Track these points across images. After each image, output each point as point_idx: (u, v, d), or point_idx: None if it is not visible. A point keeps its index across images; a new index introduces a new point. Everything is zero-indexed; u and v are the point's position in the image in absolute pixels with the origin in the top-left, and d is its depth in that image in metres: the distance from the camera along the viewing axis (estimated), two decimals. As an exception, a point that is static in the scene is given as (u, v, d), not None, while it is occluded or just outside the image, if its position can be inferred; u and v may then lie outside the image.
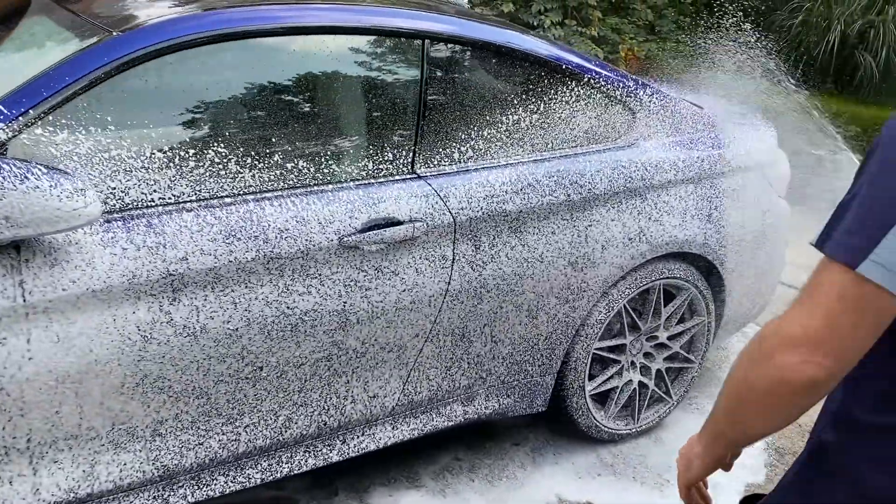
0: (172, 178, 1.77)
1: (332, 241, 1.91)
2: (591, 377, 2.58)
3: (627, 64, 7.91)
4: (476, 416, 2.38)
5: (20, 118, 1.61)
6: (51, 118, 1.65)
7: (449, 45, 2.19)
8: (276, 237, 1.84)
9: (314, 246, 1.89)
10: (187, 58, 1.80)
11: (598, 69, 2.44)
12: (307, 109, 2.01)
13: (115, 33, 1.76)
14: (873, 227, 0.79)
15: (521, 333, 2.33)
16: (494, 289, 2.20)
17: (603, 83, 2.41)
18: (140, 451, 1.81)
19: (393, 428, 2.23)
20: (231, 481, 1.98)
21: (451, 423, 2.33)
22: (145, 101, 1.79)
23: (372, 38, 2.09)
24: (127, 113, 1.76)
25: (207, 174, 1.81)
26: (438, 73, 2.16)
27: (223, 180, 1.82)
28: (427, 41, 2.14)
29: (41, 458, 1.68)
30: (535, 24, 7.85)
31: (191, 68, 1.83)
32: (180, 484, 1.91)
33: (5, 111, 1.60)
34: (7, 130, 1.60)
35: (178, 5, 1.97)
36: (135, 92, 1.76)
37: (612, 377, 2.62)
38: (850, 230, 0.81)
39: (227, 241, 1.79)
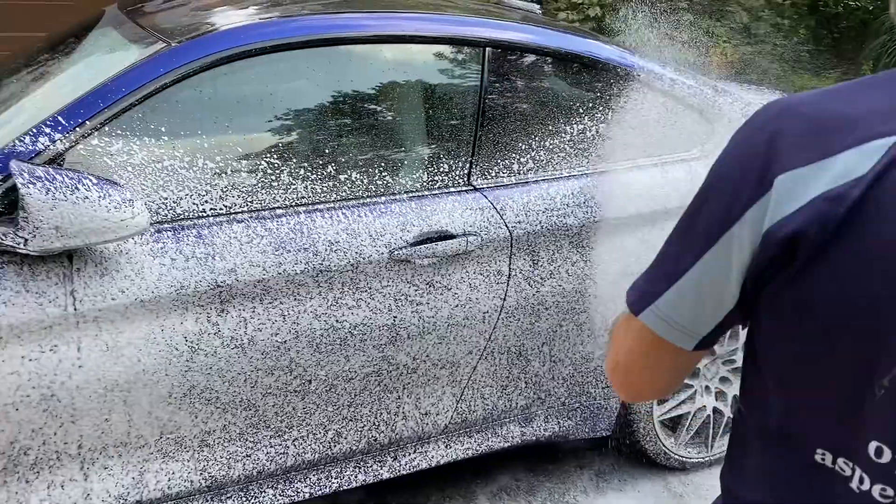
0: (224, 189, 1.77)
1: (382, 254, 1.87)
2: (661, 401, 2.44)
3: (719, 68, 7.61)
4: (534, 437, 2.28)
5: (77, 129, 1.64)
6: (107, 129, 1.67)
7: (510, 53, 2.11)
8: (326, 249, 1.81)
9: (364, 259, 1.85)
10: (241, 69, 1.80)
11: (673, 76, 2.31)
12: (363, 120, 1.98)
13: (172, 45, 1.77)
14: (672, 273, 0.76)
15: (582, 353, 2.22)
16: (553, 306, 2.10)
17: (679, 91, 2.28)
18: (188, 460, 1.81)
19: (446, 446, 2.17)
20: (280, 494, 1.96)
21: (507, 444, 2.25)
22: (200, 112, 1.79)
23: (431, 46, 2.03)
24: (182, 123, 1.77)
25: (259, 185, 1.81)
26: (498, 82, 2.09)
27: (275, 191, 1.81)
28: (488, 49, 2.07)
29: (92, 463, 1.71)
30: (623, 28, 7.64)
31: (245, 79, 1.82)
32: (228, 495, 1.90)
33: (64, 122, 1.64)
34: (65, 141, 1.63)
35: (244, 13, 1.97)
36: (190, 102, 1.77)
37: (683, 402, 2.47)
38: (641, 282, 0.81)
39: (276, 253, 1.77)
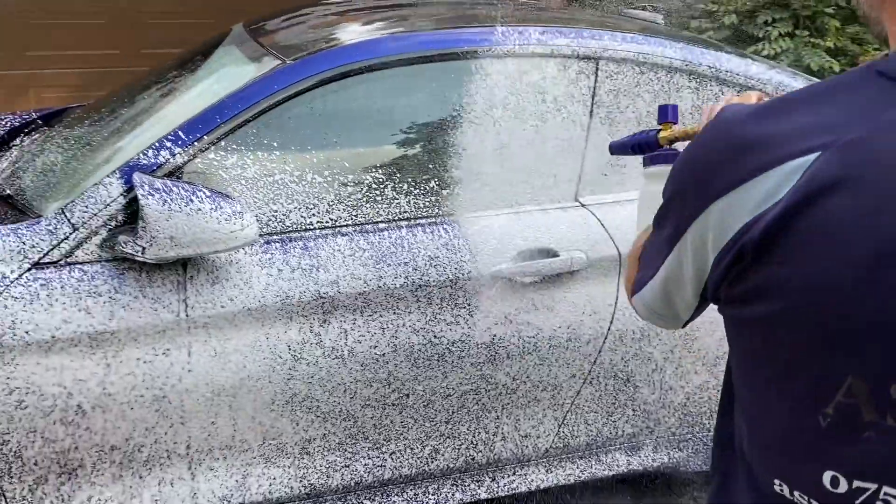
0: (330, 203, 1.80)
1: (482, 270, 1.84)
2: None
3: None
4: (641, 467, 2.18)
5: (195, 143, 1.72)
6: (223, 143, 1.74)
7: (622, 65, 2.03)
8: (426, 265, 1.81)
9: (463, 275, 1.83)
10: (350, 86, 1.83)
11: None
12: (468, 135, 1.96)
13: (286, 62, 1.83)
14: (650, 268, 0.82)
15: (697, 383, 2.10)
16: (665, 332, 1.99)
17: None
18: (289, 467, 1.85)
19: (547, 471, 2.10)
20: (376, 506, 1.97)
21: (612, 473, 2.15)
22: (311, 127, 1.84)
23: (541, 59, 1.99)
24: (293, 138, 1.82)
25: (364, 199, 1.83)
26: (610, 95, 2.01)
27: (378, 206, 1.83)
28: (600, 61, 2.00)
29: (199, 464, 1.78)
30: (761, 35, 7.27)
31: (353, 96, 1.85)
32: (327, 503, 1.93)
33: (183, 137, 1.72)
34: (184, 155, 1.72)
35: (356, 30, 2.02)
36: (302, 118, 1.82)
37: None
38: (643, 257, 0.85)
39: (377, 267, 1.78)
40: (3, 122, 2.56)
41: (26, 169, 2.01)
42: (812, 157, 0.60)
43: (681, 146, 1.33)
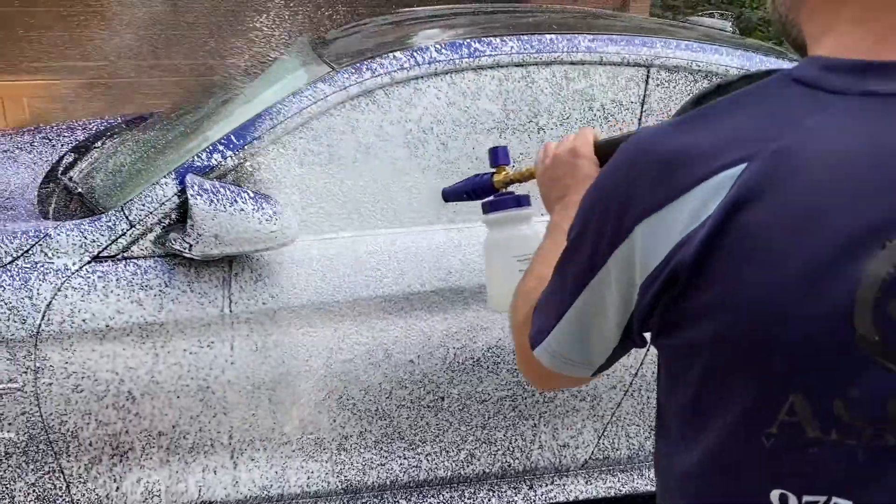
0: (372, 205, 1.85)
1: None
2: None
3: None
4: (687, 485, 2.11)
5: (245, 147, 1.80)
6: (270, 148, 1.82)
7: (674, 72, 1.99)
8: (460, 268, 1.83)
9: (501, 281, 1.84)
10: (395, 95, 1.88)
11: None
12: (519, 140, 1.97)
13: (334, 71, 1.89)
14: (552, 316, 0.76)
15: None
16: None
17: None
18: (326, 461, 1.91)
19: (586, 482, 2.08)
20: (412, 507, 2.00)
21: (654, 489, 2.10)
22: (354, 133, 1.89)
23: (588, 66, 1.98)
24: (337, 144, 1.88)
25: (410, 203, 1.87)
26: (661, 103, 1.98)
27: (405, 211, 1.86)
28: (651, 69, 1.97)
29: (241, 454, 1.86)
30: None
31: (391, 106, 1.89)
32: (364, 500, 1.97)
33: (235, 141, 1.81)
34: (234, 158, 1.80)
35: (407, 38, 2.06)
36: (348, 125, 1.88)
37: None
38: (539, 309, 0.80)
39: (411, 270, 1.82)
40: (92, 127, 2.76)
41: (99, 169, 2.16)
42: (738, 169, 0.58)
43: (517, 189, 1.26)
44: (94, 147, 2.45)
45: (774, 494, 0.62)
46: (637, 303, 0.66)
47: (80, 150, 2.47)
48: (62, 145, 2.53)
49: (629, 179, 0.64)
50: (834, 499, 0.60)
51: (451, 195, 1.26)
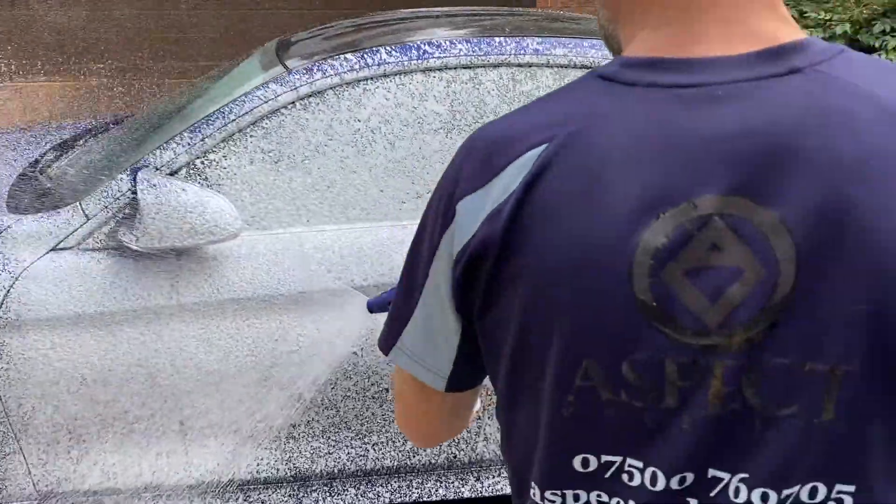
0: (318, 202, 1.92)
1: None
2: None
3: None
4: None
5: (197, 144, 1.88)
6: (221, 145, 1.90)
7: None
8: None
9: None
10: (340, 97, 1.94)
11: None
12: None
13: (287, 72, 1.96)
14: (404, 312, 0.75)
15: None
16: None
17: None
18: (276, 450, 1.98)
19: (533, 475, 2.12)
20: (361, 495, 2.06)
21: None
22: (305, 133, 1.96)
23: (535, 68, 2.02)
24: (287, 143, 1.95)
25: (354, 201, 1.93)
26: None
27: (351, 208, 1.92)
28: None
29: (192, 440, 1.94)
30: (878, 45, 6.83)
31: (340, 106, 1.96)
32: (313, 488, 2.04)
33: (188, 138, 1.89)
34: (186, 155, 1.88)
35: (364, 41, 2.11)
36: (300, 124, 1.94)
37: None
38: (390, 317, 0.78)
39: (354, 264, 1.88)
40: (80, 126, 2.87)
41: (70, 166, 2.26)
42: (540, 148, 0.63)
43: None
44: (76, 145, 2.55)
45: (577, 460, 0.66)
46: (450, 276, 0.68)
47: (63, 147, 2.57)
48: (50, 143, 2.64)
49: (458, 167, 0.69)
50: (628, 459, 0.64)
51: (375, 307, 1.19)
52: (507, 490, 2.09)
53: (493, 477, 2.11)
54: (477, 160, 0.67)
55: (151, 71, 4.78)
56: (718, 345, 0.59)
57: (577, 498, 0.67)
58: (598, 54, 2.03)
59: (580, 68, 2.02)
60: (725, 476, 0.61)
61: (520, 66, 2.01)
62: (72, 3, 4.70)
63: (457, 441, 2.04)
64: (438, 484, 2.09)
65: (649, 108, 0.61)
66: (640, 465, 0.63)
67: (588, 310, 0.62)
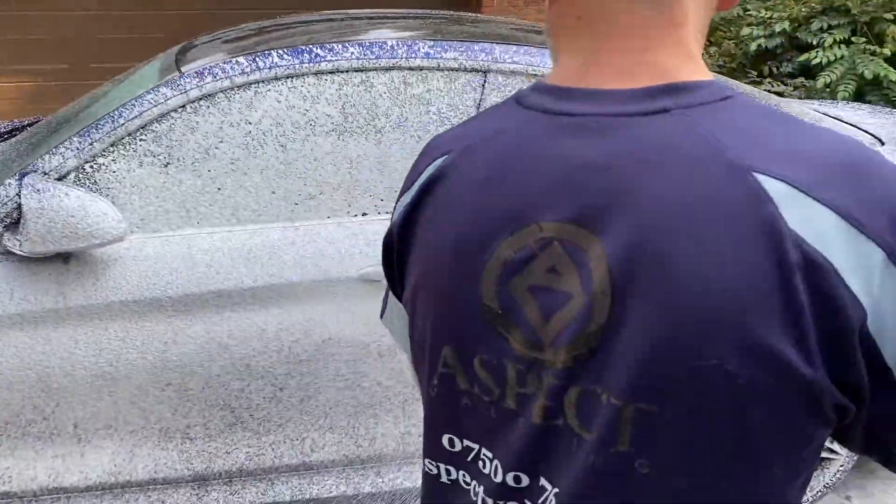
0: (209, 204, 1.94)
1: (351, 273, 1.93)
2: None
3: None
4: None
5: (86, 149, 1.89)
6: (111, 150, 1.91)
7: (509, 78, 2.08)
8: (293, 265, 1.92)
9: (331, 277, 1.93)
10: (231, 99, 1.96)
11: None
12: (350, 144, 2.05)
13: (178, 76, 1.98)
14: (385, 294, 0.84)
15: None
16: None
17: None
18: (173, 450, 2.00)
19: (432, 470, 2.16)
20: (261, 493, 2.09)
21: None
22: (196, 136, 1.98)
23: (426, 72, 2.06)
24: (178, 146, 1.96)
25: (240, 201, 1.95)
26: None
27: (242, 210, 1.95)
28: (489, 74, 2.06)
29: (87, 442, 1.95)
30: (815, 42, 6.99)
31: (231, 109, 1.98)
32: (213, 487, 2.06)
33: (77, 142, 1.90)
34: (75, 159, 1.89)
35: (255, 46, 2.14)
36: (190, 128, 1.96)
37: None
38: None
39: (244, 266, 1.91)
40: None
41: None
42: (441, 159, 0.71)
43: None
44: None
45: (445, 438, 0.71)
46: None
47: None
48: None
49: (410, 173, 0.79)
50: (483, 450, 0.68)
51: None
52: (407, 485, 2.13)
53: (393, 472, 2.15)
54: (414, 165, 0.77)
55: (91, 72, 4.75)
56: (547, 361, 0.62)
57: (448, 472, 0.72)
58: (487, 58, 2.07)
59: (471, 72, 2.07)
60: (549, 487, 0.64)
61: (411, 69, 2.05)
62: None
63: (355, 438, 2.07)
64: (339, 480, 2.13)
65: (535, 131, 0.65)
66: (490, 455, 0.67)
67: (450, 307, 0.68)
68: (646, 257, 0.57)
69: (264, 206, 1.97)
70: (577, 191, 0.61)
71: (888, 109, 3.17)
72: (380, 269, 1.92)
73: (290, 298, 1.93)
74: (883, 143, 2.42)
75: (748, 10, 7.68)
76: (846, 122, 2.59)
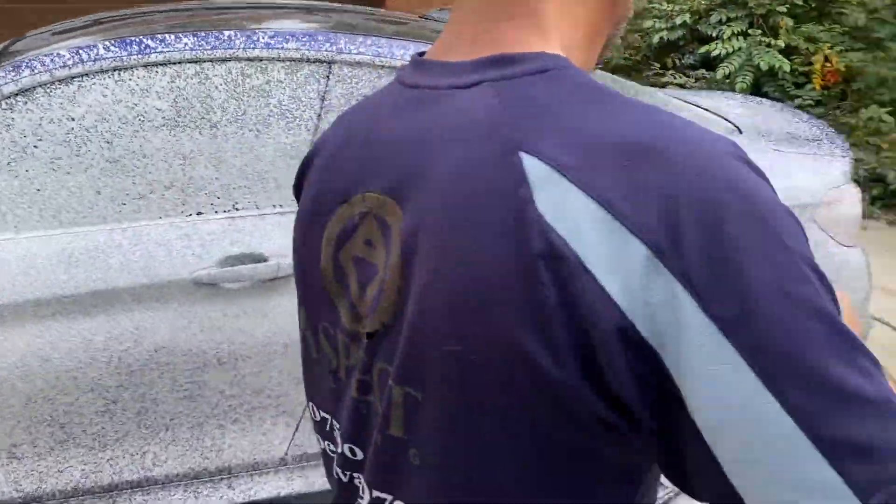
0: (21, 209, 1.80)
1: (184, 276, 1.82)
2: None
3: (825, 78, 6.86)
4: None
5: None
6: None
7: (355, 69, 2.00)
8: (120, 269, 1.80)
9: (164, 280, 1.82)
10: (51, 94, 1.83)
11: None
12: (183, 138, 1.95)
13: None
14: None
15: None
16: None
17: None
18: (-2, 471, 1.86)
19: (287, 478, 2.08)
20: (103, 512, 1.97)
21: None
22: (8, 135, 1.84)
23: (266, 62, 1.97)
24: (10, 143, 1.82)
25: (65, 202, 1.82)
26: (342, 100, 1.99)
27: (63, 211, 1.82)
28: (334, 65, 1.98)
29: None
30: (715, 34, 7.16)
31: (51, 104, 1.85)
32: (48, 508, 1.93)
33: None
34: None
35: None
36: (1, 127, 1.82)
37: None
38: None
39: (68, 271, 1.78)
40: None
41: None
42: (326, 131, 0.72)
43: None
44: None
45: (311, 406, 0.72)
46: None
47: None
48: None
49: None
50: (332, 420, 0.68)
51: None
52: (263, 495, 2.05)
53: (246, 483, 2.05)
54: None
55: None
56: (361, 334, 0.61)
57: (322, 443, 0.71)
58: (332, 48, 1.99)
59: (314, 63, 1.98)
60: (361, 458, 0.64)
61: (249, 60, 1.95)
62: None
63: (200, 450, 1.97)
64: (187, 494, 2.02)
65: (387, 103, 0.65)
66: (338, 426, 0.66)
67: (303, 272, 0.69)
68: (425, 235, 0.54)
69: (89, 208, 1.84)
70: (393, 163, 0.59)
71: (771, 103, 3.19)
72: (215, 271, 1.82)
73: (116, 305, 1.81)
74: (741, 132, 2.45)
75: (652, 3, 7.81)
76: (707, 110, 2.61)
